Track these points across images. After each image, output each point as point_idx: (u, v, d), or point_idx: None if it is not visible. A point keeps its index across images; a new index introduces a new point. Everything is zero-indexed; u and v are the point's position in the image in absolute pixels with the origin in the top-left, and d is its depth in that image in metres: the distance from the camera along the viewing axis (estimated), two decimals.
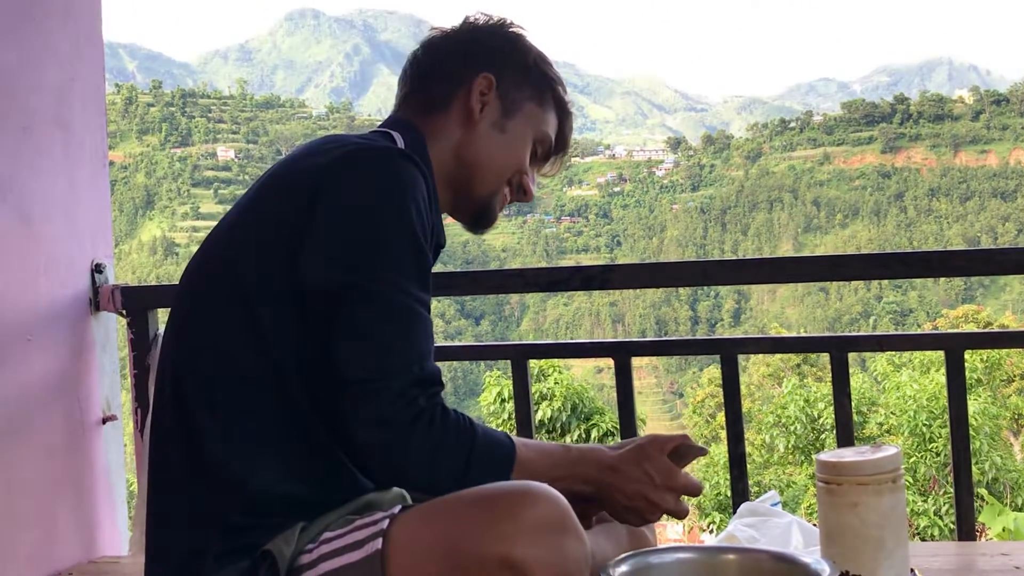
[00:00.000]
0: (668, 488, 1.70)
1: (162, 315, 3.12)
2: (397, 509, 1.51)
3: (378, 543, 1.46)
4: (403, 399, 1.45)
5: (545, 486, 1.48)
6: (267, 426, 1.53)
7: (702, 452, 1.81)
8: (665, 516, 1.78)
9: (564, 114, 1.79)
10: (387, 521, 1.48)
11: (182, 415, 1.55)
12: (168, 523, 1.58)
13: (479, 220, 1.78)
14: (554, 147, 1.80)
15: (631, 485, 1.68)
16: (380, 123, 1.78)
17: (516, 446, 1.58)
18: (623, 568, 1.69)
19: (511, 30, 1.78)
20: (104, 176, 3.06)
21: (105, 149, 3.06)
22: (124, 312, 3.02)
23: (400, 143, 1.66)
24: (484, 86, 1.71)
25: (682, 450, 1.77)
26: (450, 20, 1.82)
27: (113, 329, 3.07)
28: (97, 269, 2.99)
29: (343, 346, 1.47)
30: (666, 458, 1.70)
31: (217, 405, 1.52)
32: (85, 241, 2.96)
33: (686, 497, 1.74)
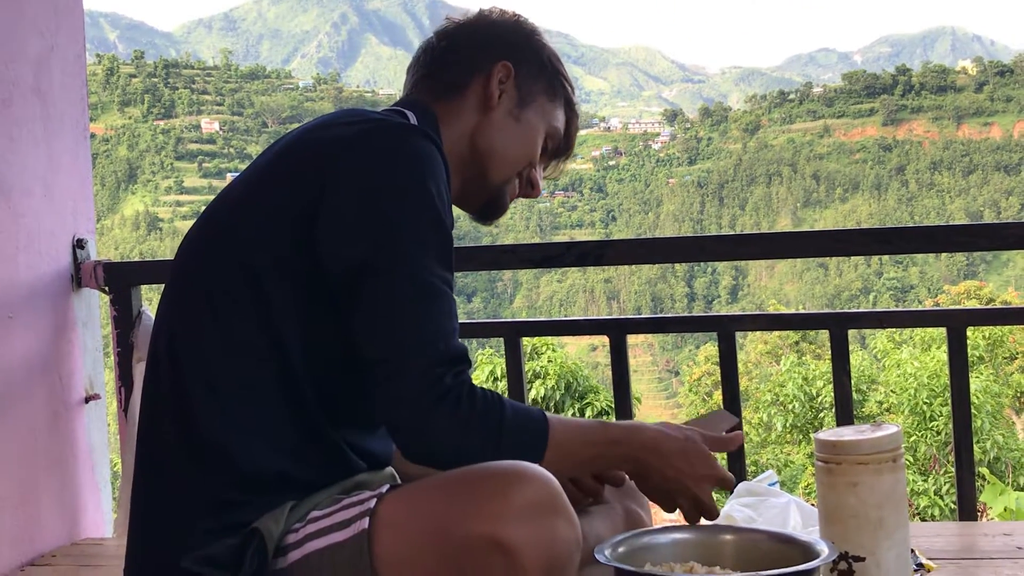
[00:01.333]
0: (707, 479, 1.71)
1: (146, 292, 3.12)
2: (385, 488, 1.52)
3: (364, 522, 1.47)
4: (427, 379, 1.47)
5: (536, 467, 1.48)
6: (264, 404, 1.54)
7: (734, 421, 1.82)
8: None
9: (572, 114, 1.83)
10: (374, 500, 1.49)
11: (177, 388, 1.55)
12: (155, 497, 1.58)
13: (489, 210, 1.80)
14: (562, 144, 1.83)
15: (670, 470, 1.69)
16: (379, 103, 1.79)
17: (549, 423, 1.58)
18: (619, 548, 1.70)
19: (528, 26, 1.81)
20: (85, 149, 3.04)
21: (86, 121, 3.05)
22: (107, 289, 3.02)
23: (414, 122, 1.66)
24: (503, 74, 1.73)
25: (713, 419, 1.78)
26: None
27: (96, 306, 3.07)
28: (79, 244, 2.98)
29: (365, 326, 1.48)
30: (707, 448, 1.72)
31: (215, 380, 1.53)
32: (66, 216, 2.95)
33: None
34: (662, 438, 1.70)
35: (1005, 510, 6.33)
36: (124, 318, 3.03)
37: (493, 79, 1.73)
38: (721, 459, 1.90)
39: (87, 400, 2.98)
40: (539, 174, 1.81)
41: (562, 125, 1.81)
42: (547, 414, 1.60)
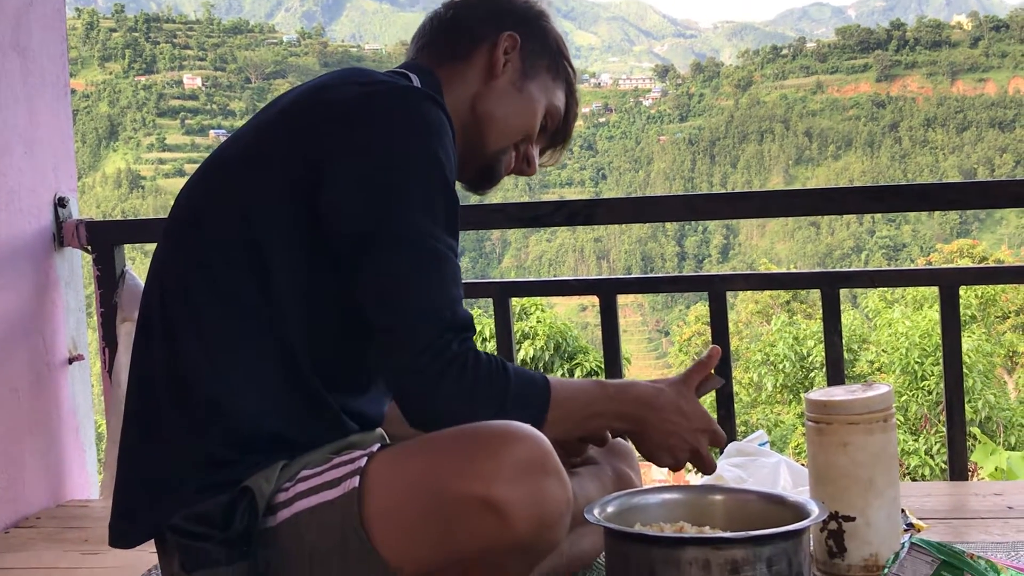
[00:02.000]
0: (703, 432, 1.75)
1: (129, 251, 3.11)
2: (376, 448, 1.53)
3: (355, 481, 1.48)
4: (435, 346, 1.48)
5: (527, 427, 1.49)
6: (258, 362, 1.55)
7: (719, 383, 1.84)
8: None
9: (573, 101, 1.85)
10: (365, 459, 1.50)
11: (170, 345, 1.56)
12: (144, 454, 1.59)
13: (483, 178, 1.80)
14: (560, 129, 1.84)
15: (668, 424, 1.72)
16: (365, 59, 1.79)
17: (551, 386, 1.61)
18: (609, 508, 1.71)
19: (537, 7, 1.82)
20: (66, 105, 3.02)
21: (66, 76, 3.03)
22: (89, 248, 3.01)
23: (417, 84, 1.66)
24: (509, 44, 1.75)
25: (701, 384, 1.80)
26: None
27: (78, 266, 3.06)
28: (60, 203, 2.96)
29: (372, 293, 1.50)
30: (698, 401, 1.75)
31: (208, 337, 1.54)
32: (47, 173, 2.94)
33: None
34: (656, 393, 1.73)
35: (996, 470, 6.40)
36: (107, 278, 3.02)
37: (499, 48, 1.74)
38: (712, 416, 1.92)
39: (70, 361, 2.98)
40: (535, 152, 1.83)
41: (563, 106, 1.83)
42: (548, 377, 1.62)
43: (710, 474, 1.82)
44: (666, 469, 1.80)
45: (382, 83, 1.59)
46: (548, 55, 1.80)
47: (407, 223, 1.50)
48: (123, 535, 1.61)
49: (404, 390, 1.52)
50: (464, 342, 1.51)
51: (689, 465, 1.82)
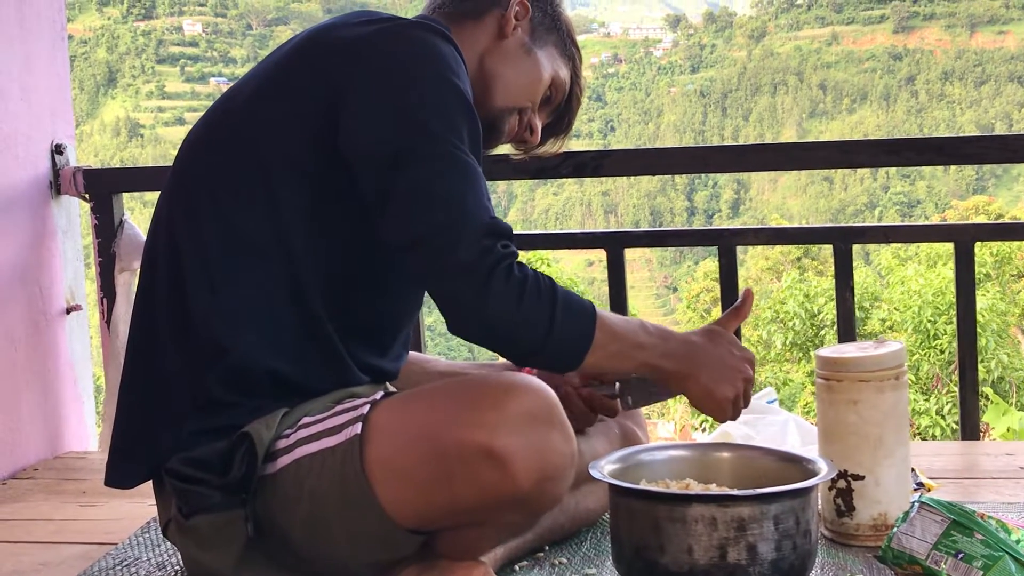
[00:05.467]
0: (750, 361, 1.71)
1: (128, 200, 3.11)
2: (379, 395, 1.54)
3: (357, 428, 1.49)
4: (481, 246, 1.48)
5: (533, 379, 1.50)
6: (264, 302, 1.56)
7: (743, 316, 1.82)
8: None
9: (577, 86, 1.87)
10: (367, 407, 1.51)
11: (174, 282, 1.58)
12: (143, 394, 1.60)
13: (486, 135, 1.81)
14: (560, 114, 1.87)
15: (719, 355, 1.68)
16: (369, 4, 1.81)
17: (597, 309, 1.58)
18: (614, 465, 1.72)
19: None
20: (63, 50, 3.01)
21: (63, 21, 3.01)
22: (87, 196, 3.00)
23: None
24: (521, 11, 1.77)
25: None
26: None
27: (76, 214, 3.06)
28: (57, 150, 2.96)
29: (407, 205, 1.49)
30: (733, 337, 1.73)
31: (213, 273, 1.56)
32: (44, 120, 2.93)
33: None
34: (699, 333, 1.70)
35: (1008, 430, 6.41)
36: (105, 227, 3.02)
37: (511, 11, 1.77)
38: None
39: (68, 311, 2.99)
40: (538, 121, 1.84)
41: (567, 83, 1.85)
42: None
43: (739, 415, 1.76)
44: (672, 425, 1.80)
45: (392, 20, 1.62)
46: (557, 34, 1.83)
47: (436, 137, 1.51)
48: (119, 475, 1.63)
49: (451, 292, 1.49)
50: (506, 247, 1.51)
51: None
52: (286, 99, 1.58)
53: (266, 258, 1.56)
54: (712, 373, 1.66)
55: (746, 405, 1.73)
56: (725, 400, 1.68)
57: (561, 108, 1.87)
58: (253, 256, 1.56)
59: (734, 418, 1.73)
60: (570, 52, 1.85)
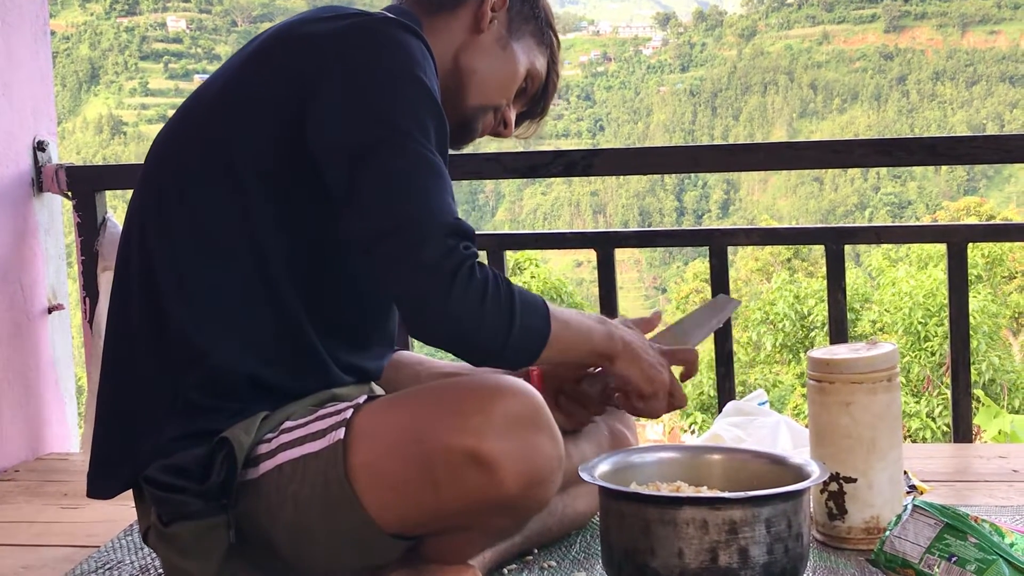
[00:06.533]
0: (662, 364, 1.76)
1: (111, 198, 3.09)
2: (362, 399, 1.53)
3: (340, 433, 1.48)
4: (444, 246, 1.46)
5: (519, 381, 1.50)
6: (239, 303, 1.55)
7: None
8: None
9: (554, 72, 1.86)
10: (351, 411, 1.50)
11: (148, 285, 1.57)
12: (121, 400, 1.59)
13: (459, 133, 1.81)
14: (536, 100, 1.85)
15: (647, 353, 1.73)
16: (355, 2, 1.81)
17: (546, 301, 1.59)
18: (604, 467, 1.72)
19: None
20: (45, 46, 2.99)
21: (46, 16, 3.00)
22: (69, 194, 2.99)
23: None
24: (497, 2, 1.75)
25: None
26: None
27: (58, 212, 3.04)
28: (39, 147, 2.94)
29: (372, 201, 1.48)
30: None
31: (186, 275, 1.55)
32: (26, 116, 2.91)
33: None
34: (634, 336, 1.74)
35: (1000, 433, 6.42)
36: (88, 225, 3.00)
37: (487, 3, 1.75)
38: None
39: (50, 310, 2.97)
40: (512, 115, 1.83)
41: (544, 72, 1.84)
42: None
43: (682, 407, 1.83)
44: (661, 428, 1.81)
45: (359, 15, 1.60)
46: (535, 22, 1.81)
47: (402, 134, 1.50)
48: (100, 486, 1.62)
49: (414, 292, 1.47)
50: (467, 248, 1.50)
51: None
52: (253, 96, 1.56)
53: (238, 259, 1.55)
54: (648, 359, 1.73)
55: (679, 406, 1.79)
56: (663, 384, 1.74)
57: (537, 95, 1.86)
58: (225, 257, 1.55)
59: (667, 411, 1.79)
60: (548, 38, 1.83)
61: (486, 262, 2.87)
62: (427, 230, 1.46)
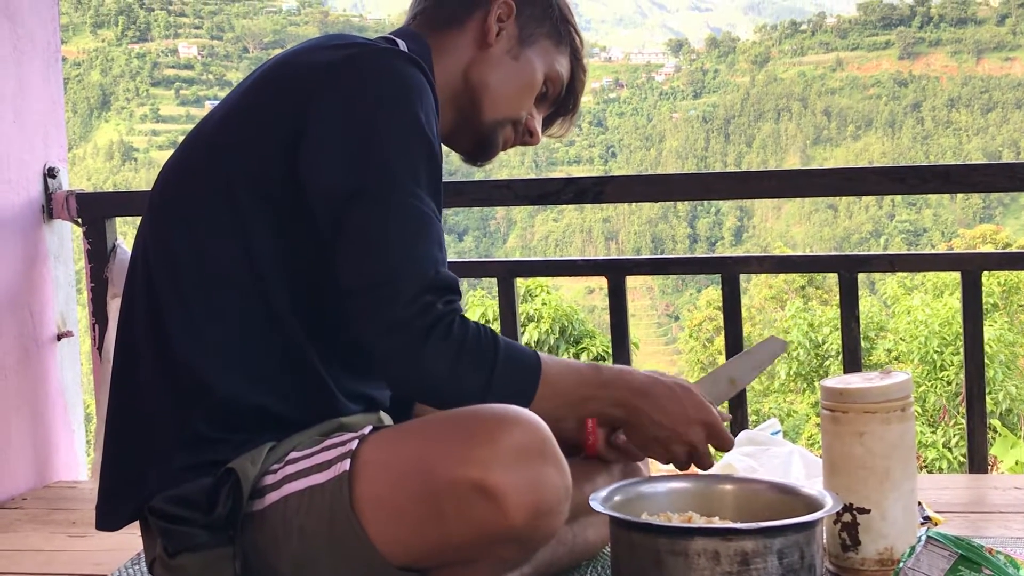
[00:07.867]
0: (699, 423, 1.72)
1: (121, 225, 3.11)
2: (368, 430, 1.53)
3: (346, 464, 1.48)
4: (417, 304, 1.47)
5: (526, 411, 1.49)
6: (243, 335, 1.55)
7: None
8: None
9: (579, 67, 1.84)
10: (356, 442, 1.50)
11: (154, 317, 1.57)
12: (129, 432, 1.60)
13: (480, 149, 1.80)
14: (563, 99, 1.83)
15: (661, 414, 1.71)
16: (367, 29, 1.80)
17: (542, 360, 1.59)
18: (615, 497, 1.71)
19: None
20: (57, 72, 3.02)
21: (57, 43, 3.02)
22: (79, 221, 3.01)
23: (403, 49, 1.66)
24: (504, 11, 1.74)
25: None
26: None
27: (68, 239, 3.06)
28: (50, 174, 2.96)
29: (353, 253, 1.49)
30: (701, 397, 1.74)
31: (192, 307, 1.55)
32: (37, 143, 2.93)
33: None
34: (652, 382, 1.72)
35: (1016, 463, 6.39)
36: (98, 252, 3.02)
37: (492, 15, 1.74)
38: (722, 407, 1.92)
39: (59, 337, 2.98)
40: (537, 121, 1.82)
41: (565, 72, 1.82)
42: (540, 354, 1.61)
43: (706, 469, 1.82)
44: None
45: (362, 45, 1.60)
46: (549, 21, 1.79)
47: (389, 182, 1.50)
48: (108, 517, 1.62)
49: (387, 350, 1.49)
50: (448, 303, 1.50)
51: None
52: (253, 125, 1.57)
53: (241, 289, 1.55)
54: (650, 429, 1.72)
55: (702, 464, 1.78)
56: (659, 457, 1.75)
57: (562, 95, 1.84)
58: (228, 287, 1.55)
59: (705, 468, 1.79)
60: (567, 36, 1.81)
61: (496, 290, 2.91)
62: (402, 287, 1.47)
